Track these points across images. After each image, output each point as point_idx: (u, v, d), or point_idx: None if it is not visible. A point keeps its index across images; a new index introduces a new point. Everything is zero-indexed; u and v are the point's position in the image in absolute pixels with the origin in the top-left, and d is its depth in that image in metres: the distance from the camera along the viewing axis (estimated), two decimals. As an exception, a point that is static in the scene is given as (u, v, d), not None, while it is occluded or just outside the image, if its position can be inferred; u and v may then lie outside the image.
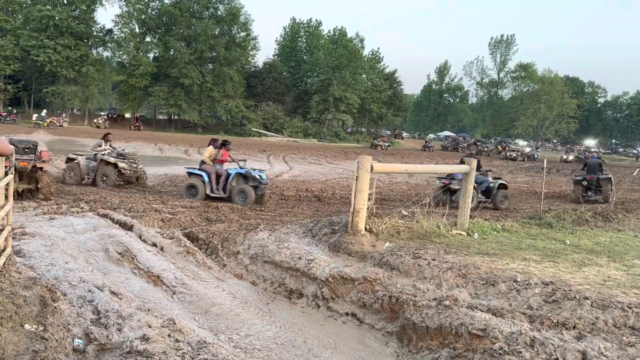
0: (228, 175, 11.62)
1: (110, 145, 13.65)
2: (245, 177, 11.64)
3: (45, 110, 49.39)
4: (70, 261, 5.44)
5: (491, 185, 12.67)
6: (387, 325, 4.74)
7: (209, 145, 12.29)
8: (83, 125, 51.84)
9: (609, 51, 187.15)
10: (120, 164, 13.05)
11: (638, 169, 15.88)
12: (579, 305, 4.24)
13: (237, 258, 6.78)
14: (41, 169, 10.08)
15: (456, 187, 11.49)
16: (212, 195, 11.49)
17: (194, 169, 11.97)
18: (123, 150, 14.18)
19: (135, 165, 13.50)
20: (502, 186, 12.98)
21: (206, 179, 11.55)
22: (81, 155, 13.75)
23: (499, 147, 51.79)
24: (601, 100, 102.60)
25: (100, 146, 13.46)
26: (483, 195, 12.49)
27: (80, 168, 13.16)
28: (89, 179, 13.06)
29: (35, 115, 45.67)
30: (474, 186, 10.90)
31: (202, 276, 6.08)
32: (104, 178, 12.82)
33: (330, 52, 65.50)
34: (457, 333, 3.98)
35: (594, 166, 15.33)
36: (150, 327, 3.87)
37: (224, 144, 12.26)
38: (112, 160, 12.99)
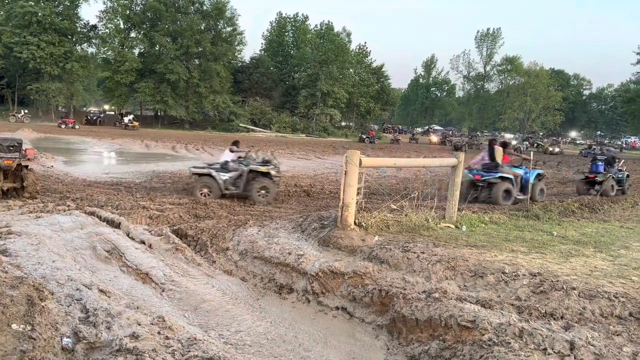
0: (526, 175, 11.69)
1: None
2: (540, 175, 12.27)
3: (131, 116, 50.95)
4: (57, 260, 5.39)
5: (620, 176, 14.95)
6: (377, 319, 4.76)
7: (492, 146, 11.79)
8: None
9: (594, 44, 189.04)
10: (272, 172, 11.32)
11: (622, 161, 16.25)
12: (566, 295, 4.29)
13: (227, 254, 6.76)
14: (26, 167, 9.96)
15: (601, 178, 14.13)
16: (519, 198, 11.41)
17: (485, 172, 11.47)
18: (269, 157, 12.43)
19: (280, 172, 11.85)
20: (628, 176, 15.56)
21: (513, 182, 11.45)
22: (209, 167, 11.73)
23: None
24: (586, 92, 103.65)
25: (240, 155, 12.01)
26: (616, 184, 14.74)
27: (217, 182, 11.24)
28: (231, 192, 11.26)
29: (127, 118, 48.49)
30: (613, 178, 14.37)
31: (192, 273, 6.06)
32: (262, 191, 11.13)
33: (318, 47, 65.36)
34: (447, 325, 4.01)
35: (608, 161, 17.08)
36: (139, 324, 3.84)
37: (505, 144, 12.33)
38: (263, 169, 11.22)
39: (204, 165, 12.09)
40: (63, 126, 42.92)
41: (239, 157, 11.93)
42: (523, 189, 11.61)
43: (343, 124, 75.46)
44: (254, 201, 10.92)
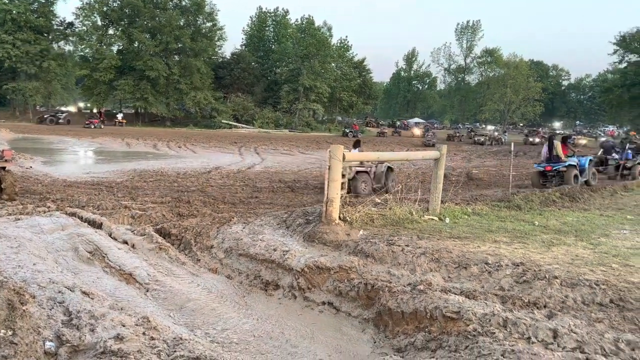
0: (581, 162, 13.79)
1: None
2: (591, 161, 14.41)
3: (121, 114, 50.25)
4: (38, 262, 5.30)
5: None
6: (364, 312, 4.78)
7: (552, 141, 13.74)
8: (46, 123, 50.44)
9: (572, 35, 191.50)
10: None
11: (601, 150, 16.71)
12: (548, 284, 4.35)
13: (211, 252, 6.73)
14: (4, 168, 9.78)
15: (630, 164, 16.14)
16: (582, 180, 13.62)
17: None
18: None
19: None
20: None
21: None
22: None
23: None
24: (565, 83, 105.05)
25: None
26: None
27: (370, 177, 12.83)
28: (376, 186, 12.67)
29: (120, 115, 48.68)
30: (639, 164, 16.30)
31: (176, 272, 6.01)
32: (391, 182, 13.05)
33: (299, 41, 65.06)
34: (432, 317, 4.04)
35: (607, 149, 18.54)
36: (124, 326, 3.80)
37: (565, 138, 14.30)
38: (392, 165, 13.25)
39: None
40: (92, 127, 44.29)
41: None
42: (581, 173, 13.47)
43: (325, 118, 75.22)
44: (388, 191, 11.76)
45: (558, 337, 3.40)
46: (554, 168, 13.29)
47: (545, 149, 13.93)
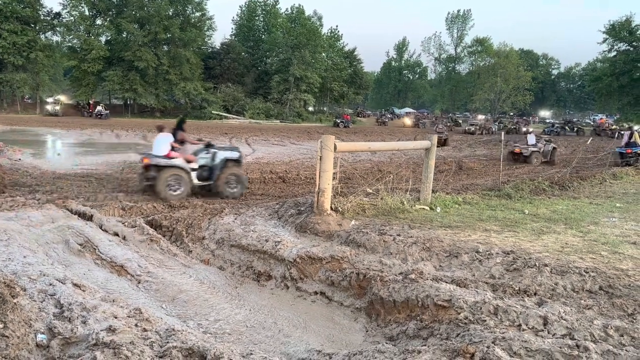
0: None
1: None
2: None
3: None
4: (28, 255, 5.27)
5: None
6: (356, 302, 4.80)
7: (632, 132, 18.18)
8: (35, 114, 49.87)
9: (562, 24, 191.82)
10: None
11: (591, 139, 17.25)
12: (539, 272, 4.39)
13: (203, 243, 6.71)
14: (-8, 161, 9.65)
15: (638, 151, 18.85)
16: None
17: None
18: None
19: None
20: None
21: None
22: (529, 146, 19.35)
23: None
24: (555, 72, 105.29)
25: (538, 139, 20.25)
26: None
27: (541, 154, 19.21)
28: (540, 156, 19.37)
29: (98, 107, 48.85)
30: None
31: (168, 263, 6.00)
32: (548, 158, 19.07)
33: (289, 31, 64.65)
34: (424, 305, 4.07)
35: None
36: (116, 318, 3.79)
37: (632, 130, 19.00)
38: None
39: (524, 145, 19.92)
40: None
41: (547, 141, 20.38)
42: None
43: (311, 109, 74.73)
44: (554, 164, 18.27)
45: (548, 324, 3.44)
46: (634, 151, 17.46)
47: (626, 137, 18.38)
